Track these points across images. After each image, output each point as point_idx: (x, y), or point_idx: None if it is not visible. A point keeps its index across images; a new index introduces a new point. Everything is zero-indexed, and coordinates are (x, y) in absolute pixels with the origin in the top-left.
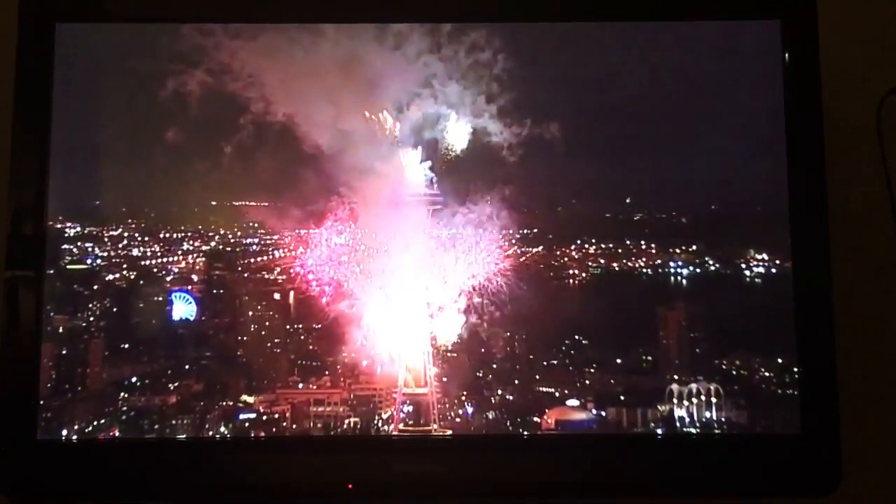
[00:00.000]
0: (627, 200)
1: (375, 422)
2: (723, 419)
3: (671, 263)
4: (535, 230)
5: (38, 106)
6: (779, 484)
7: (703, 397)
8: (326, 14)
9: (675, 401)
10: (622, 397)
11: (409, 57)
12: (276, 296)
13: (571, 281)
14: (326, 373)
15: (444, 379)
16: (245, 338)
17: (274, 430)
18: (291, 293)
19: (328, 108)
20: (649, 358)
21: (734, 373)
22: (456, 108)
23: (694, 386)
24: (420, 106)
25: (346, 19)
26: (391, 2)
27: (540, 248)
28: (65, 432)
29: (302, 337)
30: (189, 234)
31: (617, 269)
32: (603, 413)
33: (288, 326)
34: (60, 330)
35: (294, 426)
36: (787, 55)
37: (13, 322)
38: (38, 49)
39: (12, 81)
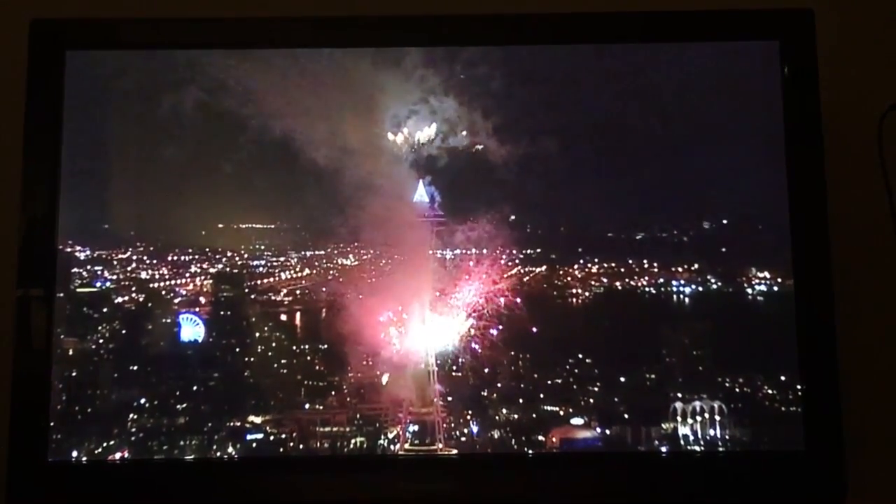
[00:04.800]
0: (629, 219)
1: (381, 441)
2: (726, 436)
3: (673, 282)
4: (538, 249)
5: (48, 131)
6: (783, 501)
7: (706, 415)
8: (326, 39)
9: (678, 418)
10: (626, 415)
11: (406, 72)
12: (283, 317)
13: (574, 300)
14: (332, 393)
15: (450, 398)
16: (252, 359)
17: (281, 449)
18: (298, 314)
19: (327, 127)
20: (653, 376)
21: (737, 390)
22: (454, 125)
23: (697, 403)
24: (418, 122)
25: (345, 43)
26: (388, 26)
27: (543, 267)
28: (75, 453)
29: (308, 357)
30: (196, 256)
31: (619, 287)
32: (607, 431)
33: (294, 347)
34: (70, 352)
35: (301, 446)
36: (786, 74)
37: (24, 344)
38: (48, 75)
39: (23, 107)
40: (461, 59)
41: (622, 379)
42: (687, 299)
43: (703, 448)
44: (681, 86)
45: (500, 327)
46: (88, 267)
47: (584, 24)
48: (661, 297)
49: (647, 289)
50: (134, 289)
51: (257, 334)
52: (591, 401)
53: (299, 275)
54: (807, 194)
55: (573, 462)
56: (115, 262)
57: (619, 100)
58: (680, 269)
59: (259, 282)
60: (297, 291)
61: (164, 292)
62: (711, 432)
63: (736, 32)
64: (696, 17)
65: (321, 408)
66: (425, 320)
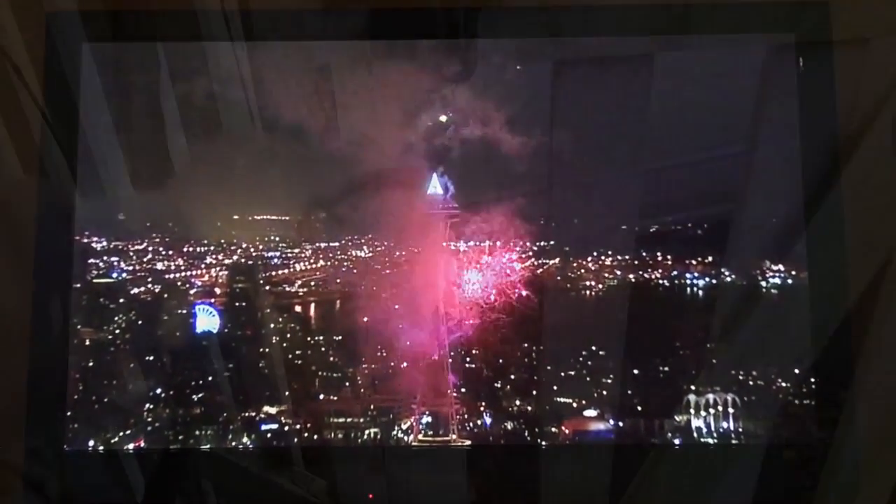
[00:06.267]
0: (643, 212)
1: (395, 432)
2: (740, 429)
3: (687, 275)
4: (552, 242)
5: (65, 123)
6: (797, 494)
7: (719, 408)
8: (341, 30)
9: (692, 411)
10: (639, 408)
11: (421, 62)
12: (298, 308)
13: (588, 292)
14: (347, 384)
15: (463, 389)
16: (267, 349)
17: (295, 440)
18: (312, 305)
19: (342, 118)
20: (666, 369)
21: (751, 383)
22: (468, 116)
23: (711, 396)
24: (432, 113)
25: (359, 36)
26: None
27: (556, 259)
28: (91, 443)
29: (322, 348)
30: (212, 247)
31: (633, 280)
32: (620, 423)
33: (309, 338)
34: (87, 342)
35: (315, 437)
36: (801, 68)
37: (42, 335)
38: (65, 68)
39: (41, 99)
40: (477, 50)
41: (635, 371)
42: (700, 292)
43: (715, 441)
44: (695, 78)
45: (514, 319)
46: (105, 258)
47: (598, 17)
48: (675, 289)
49: (660, 281)
50: (150, 280)
51: (272, 325)
52: (605, 393)
53: (314, 266)
54: (822, 188)
55: (586, 453)
56: (131, 253)
57: (632, 91)
58: (693, 262)
59: (274, 273)
60: (312, 283)
61: (179, 283)
62: (724, 425)
63: (750, 25)
64: (711, 9)
65: (335, 398)
66: (439, 312)
